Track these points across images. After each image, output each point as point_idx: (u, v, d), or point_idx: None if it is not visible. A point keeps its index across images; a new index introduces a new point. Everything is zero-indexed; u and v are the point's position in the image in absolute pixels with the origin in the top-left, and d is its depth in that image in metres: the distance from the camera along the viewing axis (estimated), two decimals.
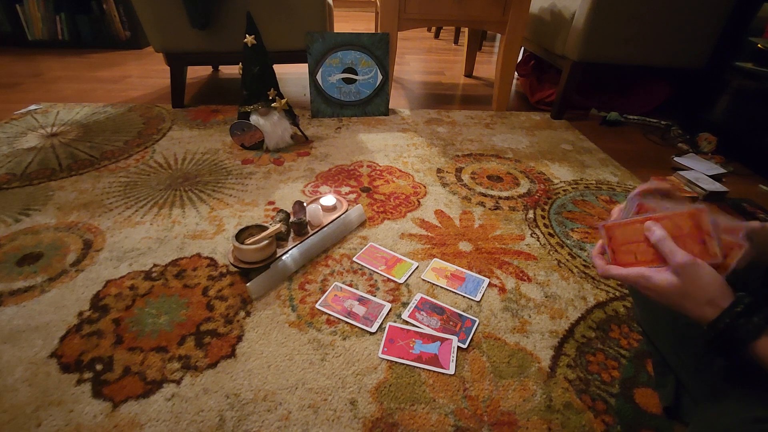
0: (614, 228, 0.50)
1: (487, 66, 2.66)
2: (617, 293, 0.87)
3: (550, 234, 1.05)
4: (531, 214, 1.12)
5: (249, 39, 1.26)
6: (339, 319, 0.78)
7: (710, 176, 1.33)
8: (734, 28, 1.57)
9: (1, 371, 0.66)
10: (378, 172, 1.29)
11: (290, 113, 1.40)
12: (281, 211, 0.97)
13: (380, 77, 1.65)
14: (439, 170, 1.32)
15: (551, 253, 0.98)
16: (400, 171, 1.30)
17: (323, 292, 0.84)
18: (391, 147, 1.45)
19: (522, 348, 0.74)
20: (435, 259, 0.94)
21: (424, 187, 1.22)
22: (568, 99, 1.75)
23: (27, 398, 0.63)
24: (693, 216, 0.45)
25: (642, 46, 1.61)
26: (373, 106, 1.70)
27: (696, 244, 0.45)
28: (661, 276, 0.44)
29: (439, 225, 1.06)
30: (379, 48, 1.61)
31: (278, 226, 0.89)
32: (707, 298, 0.42)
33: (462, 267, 0.92)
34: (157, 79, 2.08)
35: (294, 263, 0.88)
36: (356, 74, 1.63)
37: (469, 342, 0.74)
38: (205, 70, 2.24)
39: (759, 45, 1.52)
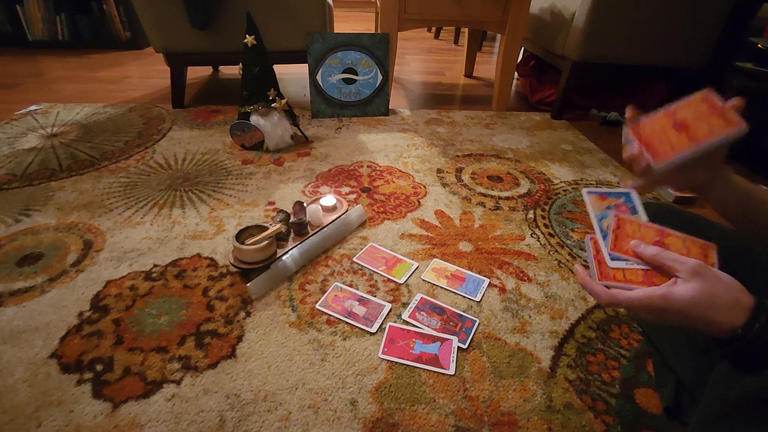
0: (626, 222, 0.48)
1: (487, 66, 2.66)
2: None
3: (550, 234, 1.05)
4: (531, 215, 1.12)
5: (249, 39, 1.26)
6: (339, 319, 0.78)
7: None
8: (734, 28, 1.57)
9: (2, 371, 0.66)
10: (378, 173, 1.29)
11: (290, 113, 1.40)
12: (281, 211, 0.97)
13: (380, 77, 1.65)
14: (439, 170, 1.32)
15: (551, 253, 0.98)
16: (400, 171, 1.30)
17: (323, 292, 0.84)
18: (391, 147, 1.45)
19: (522, 348, 0.74)
20: (435, 259, 0.94)
21: (424, 187, 1.22)
22: (568, 99, 1.75)
23: (27, 398, 0.63)
24: (705, 98, 0.49)
25: (642, 46, 1.61)
26: (373, 106, 1.70)
27: (720, 117, 0.47)
28: (682, 288, 0.39)
29: (439, 225, 1.06)
30: (379, 48, 1.61)
31: (278, 226, 0.89)
32: (734, 298, 0.38)
33: (462, 267, 0.92)
34: (157, 80, 2.08)
35: (294, 263, 0.88)
36: (356, 74, 1.63)
37: (470, 342, 0.74)
38: (205, 71, 2.25)
39: (759, 45, 1.52)
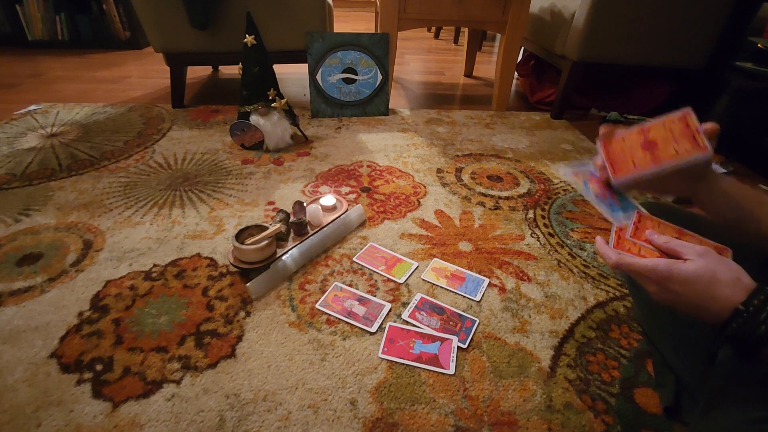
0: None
1: (487, 66, 2.66)
2: (617, 293, 0.87)
3: (550, 234, 1.05)
4: (531, 214, 1.12)
5: (249, 39, 1.26)
6: (339, 319, 0.78)
7: None
8: (734, 28, 1.57)
9: (1, 371, 0.66)
10: (378, 172, 1.29)
11: (290, 113, 1.40)
12: (281, 211, 0.97)
13: (380, 77, 1.65)
14: (439, 170, 1.32)
15: (551, 253, 0.98)
16: (400, 171, 1.30)
17: (323, 292, 0.84)
18: (391, 147, 1.45)
19: (522, 348, 0.74)
20: (435, 259, 0.94)
21: (424, 187, 1.22)
22: (568, 99, 1.75)
23: (27, 398, 0.63)
24: (683, 118, 0.51)
25: (642, 45, 1.61)
26: (373, 106, 1.70)
27: (689, 141, 0.49)
28: (687, 263, 0.42)
29: (439, 225, 1.06)
30: (379, 48, 1.61)
31: (278, 226, 0.89)
32: (735, 276, 0.40)
33: (462, 267, 0.92)
34: (157, 79, 2.08)
35: (294, 263, 0.88)
36: (356, 74, 1.63)
37: (469, 342, 0.74)
38: (205, 70, 2.25)
39: (759, 45, 1.52)
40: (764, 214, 0.50)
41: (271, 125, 1.34)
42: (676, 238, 0.48)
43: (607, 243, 0.49)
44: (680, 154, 0.49)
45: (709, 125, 0.48)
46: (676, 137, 0.50)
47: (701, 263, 0.41)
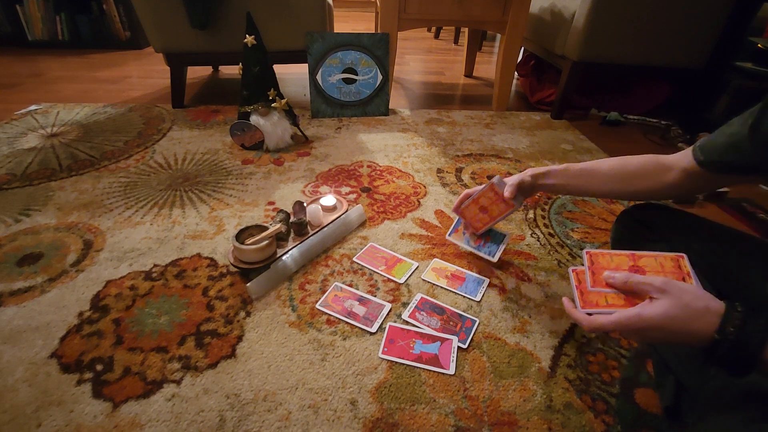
0: (597, 256, 0.56)
1: (487, 66, 2.66)
2: None
3: (550, 234, 1.05)
4: (531, 214, 1.12)
5: (249, 39, 1.26)
6: (339, 319, 0.78)
7: None
8: (734, 28, 1.57)
9: (2, 371, 0.66)
10: (378, 172, 1.29)
11: (290, 113, 1.40)
12: (281, 211, 0.97)
13: (380, 77, 1.65)
14: (439, 170, 1.32)
15: (551, 253, 0.98)
16: (400, 171, 1.30)
17: (323, 292, 0.84)
18: (391, 147, 1.45)
19: (522, 348, 0.74)
20: (435, 259, 0.94)
21: (424, 187, 1.22)
22: (568, 99, 1.75)
23: (27, 398, 0.63)
24: (492, 189, 0.78)
25: (642, 45, 1.61)
26: (373, 106, 1.70)
27: (502, 203, 0.78)
28: (654, 305, 0.42)
29: (440, 225, 1.06)
30: (379, 48, 1.61)
31: (278, 226, 0.89)
32: (704, 306, 0.40)
33: (462, 267, 0.92)
34: (157, 79, 2.08)
35: (294, 263, 0.88)
36: (356, 74, 1.63)
37: (470, 342, 0.74)
38: (205, 70, 2.25)
39: (759, 45, 1.52)
40: (585, 182, 0.69)
41: (271, 125, 1.34)
42: (632, 266, 0.50)
43: (575, 300, 0.51)
44: (501, 212, 0.80)
45: (508, 191, 0.74)
46: (494, 202, 0.79)
47: (667, 302, 0.42)
